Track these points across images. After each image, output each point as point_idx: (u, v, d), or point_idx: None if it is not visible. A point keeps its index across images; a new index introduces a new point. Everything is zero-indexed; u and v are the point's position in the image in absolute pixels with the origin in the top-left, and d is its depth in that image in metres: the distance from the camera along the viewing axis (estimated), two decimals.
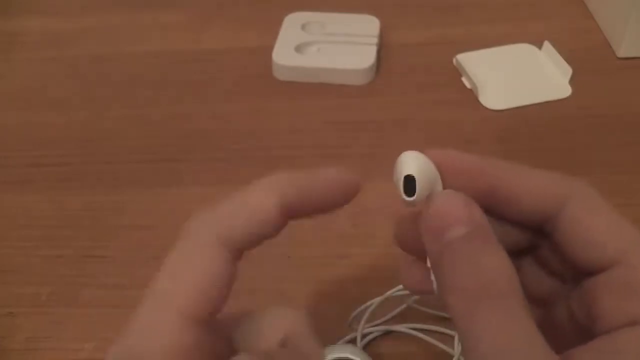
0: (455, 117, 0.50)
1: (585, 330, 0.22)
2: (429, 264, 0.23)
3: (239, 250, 0.22)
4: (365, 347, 0.36)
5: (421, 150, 0.23)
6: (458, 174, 0.23)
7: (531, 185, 0.23)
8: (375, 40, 0.55)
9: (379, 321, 0.36)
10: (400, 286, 0.35)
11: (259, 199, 0.22)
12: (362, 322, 0.35)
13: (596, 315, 0.21)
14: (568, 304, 0.24)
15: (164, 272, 0.21)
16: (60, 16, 0.63)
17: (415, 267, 0.25)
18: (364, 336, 0.36)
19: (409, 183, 0.22)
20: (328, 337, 0.36)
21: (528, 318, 0.19)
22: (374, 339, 0.36)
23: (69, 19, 0.63)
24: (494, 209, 0.23)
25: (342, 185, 0.24)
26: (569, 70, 0.52)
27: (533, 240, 0.24)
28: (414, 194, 0.22)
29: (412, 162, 0.23)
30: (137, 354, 0.20)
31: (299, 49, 0.55)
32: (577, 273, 0.23)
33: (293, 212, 0.23)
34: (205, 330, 0.21)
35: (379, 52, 0.55)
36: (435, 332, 0.36)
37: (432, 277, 0.23)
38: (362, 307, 0.36)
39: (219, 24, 0.61)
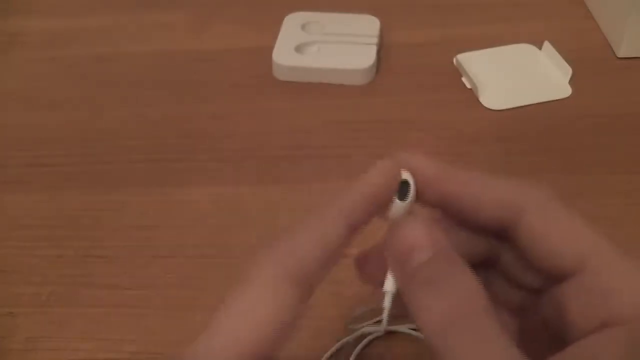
0: (455, 117, 0.50)
1: (559, 337, 0.22)
2: (386, 287, 0.23)
3: (311, 286, 0.22)
4: (366, 347, 0.36)
5: (394, 155, 0.24)
6: (424, 183, 0.24)
7: (489, 194, 0.23)
8: (375, 40, 0.55)
9: (380, 320, 0.36)
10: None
11: (326, 227, 0.22)
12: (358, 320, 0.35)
13: (567, 322, 0.22)
14: (540, 313, 0.24)
15: (226, 306, 0.21)
16: (60, 16, 0.63)
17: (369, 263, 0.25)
18: (364, 336, 0.36)
19: (403, 188, 0.23)
20: (328, 337, 0.36)
21: (501, 334, 0.19)
22: (375, 339, 0.36)
23: (69, 19, 0.63)
24: (459, 216, 0.24)
25: (393, 179, 0.24)
26: (569, 70, 0.52)
27: (498, 250, 0.25)
28: (406, 198, 0.23)
29: (405, 173, 0.24)
30: None
31: (299, 49, 0.55)
32: (543, 282, 0.23)
33: (359, 227, 0.23)
34: None
35: (379, 52, 0.55)
36: None
37: (385, 304, 0.23)
38: (363, 309, 0.36)
39: (219, 24, 0.61)
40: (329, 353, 0.35)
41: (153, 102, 0.53)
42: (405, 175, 0.24)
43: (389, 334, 0.36)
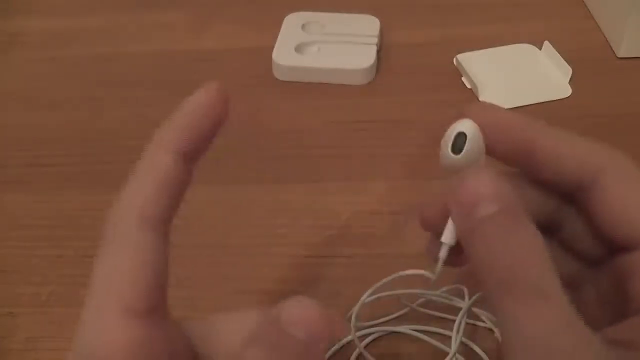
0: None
1: (616, 312, 0.21)
2: (444, 239, 0.23)
3: (163, 223, 0.22)
4: (367, 347, 0.36)
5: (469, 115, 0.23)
6: (497, 130, 0.23)
7: (568, 150, 0.23)
8: (375, 40, 0.55)
9: (380, 321, 0.36)
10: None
11: (155, 161, 0.23)
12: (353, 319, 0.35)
13: (630, 294, 0.21)
14: (596, 286, 0.23)
15: (97, 272, 0.21)
16: (60, 16, 0.63)
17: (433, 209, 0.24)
18: (365, 336, 0.36)
19: (459, 140, 0.22)
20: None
21: (563, 295, 0.19)
22: (375, 339, 0.36)
23: (69, 19, 0.63)
24: (531, 170, 0.23)
25: (217, 103, 0.25)
26: (569, 70, 0.52)
27: (562, 214, 0.24)
28: (461, 152, 0.22)
29: (467, 124, 0.23)
30: (89, 355, 0.20)
31: (299, 49, 0.55)
32: (607, 251, 0.22)
33: (193, 157, 0.23)
34: (156, 325, 0.21)
35: (379, 52, 0.55)
36: (437, 333, 0.36)
37: (442, 253, 0.23)
38: (358, 305, 0.35)
39: (219, 24, 0.61)
40: (329, 353, 0.35)
41: (153, 102, 0.53)
42: (465, 127, 0.22)
43: (390, 334, 0.36)
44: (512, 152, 0.23)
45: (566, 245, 0.24)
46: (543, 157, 0.23)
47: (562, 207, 0.24)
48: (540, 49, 0.55)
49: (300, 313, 0.20)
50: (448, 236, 0.23)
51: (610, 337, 0.20)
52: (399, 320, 0.36)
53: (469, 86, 0.52)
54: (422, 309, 0.36)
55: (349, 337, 0.35)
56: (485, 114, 0.23)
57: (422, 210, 0.25)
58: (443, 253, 0.23)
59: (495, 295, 0.20)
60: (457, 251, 0.23)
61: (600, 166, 0.22)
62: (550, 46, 0.54)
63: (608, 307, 0.22)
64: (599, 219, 0.22)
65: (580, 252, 0.24)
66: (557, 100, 0.51)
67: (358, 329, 0.35)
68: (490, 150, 0.23)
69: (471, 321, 0.36)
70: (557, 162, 0.23)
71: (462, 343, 0.34)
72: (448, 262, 0.24)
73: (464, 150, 0.22)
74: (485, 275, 0.20)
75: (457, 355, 0.34)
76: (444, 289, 0.35)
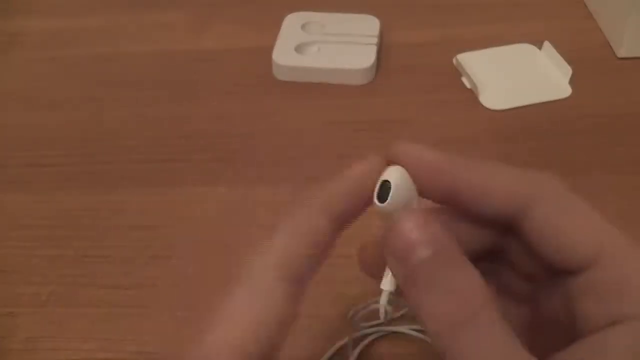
0: (455, 117, 0.50)
1: (569, 329, 0.22)
2: (383, 286, 0.23)
3: (303, 283, 0.22)
4: (367, 347, 0.36)
5: (391, 146, 0.23)
6: (427, 173, 0.23)
7: (493, 184, 0.22)
8: (375, 40, 0.55)
9: (380, 321, 0.36)
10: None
11: (312, 223, 0.22)
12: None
13: (578, 316, 0.21)
14: (551, 303, 0.23)
15: (225, 309, 0.21)
16: (60, 16, 0.63)
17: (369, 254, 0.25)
18: (365, 337, 0.36)
19: (384, 189, 0.22)
20: (328, 337, 0.36)
21: (508, 333, 0.19)
22: (376, 339, 0.36)
23: (69, 19, 0.63)
24: (463, 208, 0.23)
25: (372, 176, 0.24)
26: (569, 70, 0.52)
27: (503, 241, 0.24)
28: (385, 201, 0.22)
29: (392, 171, 0.23)
30: None
31: (299, 49, 0.55)
32: (552, 274, 0.22)
33: (343, 223, 0.23)
34: None
35: (379, 52, 0.55)
36: None
37: (382, 301, 0.23)
38: (361, 305, 0.35)
39: (219, 24, 0.61)
40: (329, 353, 0.35)
41: (153, 102, 0.53)
42: (390, 175, 0.22)
43: (389, 334, 0.36)
44: (439, 193, 0.23)
45: (514, 266, 0.24)
46: (470, 195, 0.22)
47: (502, 235, 0.24)
48: (540, 49, 0.55)
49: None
50: (388, 283, 0.23)
51: None
52: (399, 320, 0.36)
53: (469, 86, 0.52)
54: None
55: (352, 336, 0.36)
56: (409, 156, 0.23)
57: (359, 255, 0.25)
58: (383, 300, 0.23)
59: (439, 343, 0.20)
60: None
61: (529, 195, 0.22)
62: (550, 46, 0.54)
63: (562, 326, 0.22)
64: (536, 247, 0.22)
65: (528, 273, 0.24)
66: (557, 100, 0.51)
67: (358, 329, 0.35)
68: (420, 193, 0.23)
69: None
70: (484, 198, 0.22)
71: None
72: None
73: (388, 199, 0.22)
74: (426, 321, 0.20)
75: None
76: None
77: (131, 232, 0.42)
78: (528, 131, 0.48)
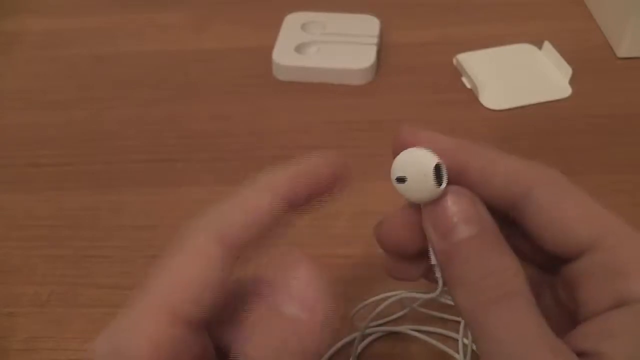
0: (455, 117, 0.50)
1: (572, 316, 0.22)
2: (432, 261, 0.23)
3: (237, 249, 0.21)
4: (367, 347, 0.36)
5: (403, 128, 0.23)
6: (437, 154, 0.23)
7: (499, 168, 0.23)
8: (375, 40, 0.55)
9: (381, 321, 0.36)
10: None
11: (253, 196, 0.23)
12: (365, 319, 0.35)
13: (580, 301, 0.21)
14: (553, 291, 0.23)
15: (157, 271, 0.21)
16: (60, 16, 0.63)
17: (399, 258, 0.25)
18: (366, 337, 0.36)
19: (439, 172, 0.22)
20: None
21: (538, 315, 0.20)
22: (377, 339, 0.36)
23: (68, 19, 0.63)
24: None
25: (331, 172, 0.24)
26: (569, 70, 0.52)
27: (506, 229, 0.24)
28: (442, 182, 0.22)
29: (429, 155, 0.22)
30: (122, 347, 0.19)
31: (299, 49, 0.55)
32: (553, 262, 0.23)
33: (289, 205, 0.23)
34: (195, 330, 0.20)
35: (379, 52, 0.55)
36: (438, 334, 0.36)
37: (437, 274, 0.23)
38: (363, 303, 0.35)
39: (219, 24, 0.61)
40: (329, 353, 0.35)
41: (153, 102, 0.53)
42: (434, 157, 0.22)
43: (392, 334, 0.36)
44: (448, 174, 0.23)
45: (519, 254, 0.25)
46: (475, 178, 0.23)
47: (505, 223, 0.24)
48: (540, 49, 0.55)
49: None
50: (434, 257, 0.23)
51: (570, 347, 0.20)
52: (400, 320, 0.36)
53: (469, 86, 0.52)
54: (422, 310, 0.36)
55: (352, 336, 0.36)
56: (420, 138, 0.23)
57: (377, 231, 0.25)
58: (438, 273, 0.23)
59: (472, 319, 0.20)
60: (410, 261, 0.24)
61: (529, 184, 0.22)
62: (550, 46, 0.54)
63: (566, 312, 0.23)
64: (537, 233, 0.22)
65: (531, 260, 0.24)
66: (557, 100, 0.51)
67: (359, 329, 0.35)
68: None
69: None
70: (488, 182, 0.23)
71: (463, 344, 0.34)
72: (404, 276, 0.25)
73: (443, 182, 0.22)
74: (461, 296, 0.21)
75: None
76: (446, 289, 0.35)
77: (131, 232, 0.42)
78: (528, 131, 0.48)
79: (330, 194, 0.24)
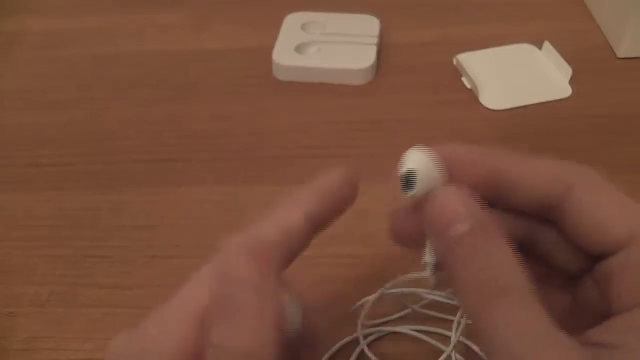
0: (455, 117, 0.50)
1: (606, 313, 0.22)
2: (426, 259, 0.23)
3: (271, 265, 0.22)
4: (368, 347, 0.36)
5: (427, 146, 0.23)
6: (461, 166, 0.23)
7: (534, 172, 0.23)
8: (375, 40, 0.55)
9: (381, 321, 0.36)
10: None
11: (286, 215, 0.23)
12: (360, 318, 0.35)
13: (612, 298, 0.21)
14: (580, 295, 0.24)
15: (192, 279, 0.22)
16: (60, 16, 0.63)
17: (405, 221, 0.25)
18: (365, 337, 0.36)
19: (409, 178, 0.22)
20: (328, 336, 0.36)
21: (540, 309, 0.20)
22: (376, 339, 0.36)
23: (68, 19, 0.63)
24: (501, 199, 0.23)
25: (348, 185, 0.25)
26: (569, 70, 0.52)
27: (535, 233, 0.24)
28: (412, 189, 0.22)
29: (414, 157, 0.23)
30: (149, 347, 0.21)
31: (299, 49, 0.55)
32: (587, 260, 0.23)
33: (317, 223, 0.24)
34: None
35: (379, 52, 0.55)
36: (438, 334, 0.36)
37: (425, 256, 0.23)
38: (364, 299, 0.36)
39: (219, 24, 0.61)
40: (329, 353, 0.35)
41: (153, 102, 0.53)
42: (411, 160, 0.22)
43: (391, 334, 0.36)
44: (478, 185, 0.23)
45: (544, 260, 0.25)
46: (509, 185, 0.23)
47: (534, 226, 0.24)
48: (540, 49, 0.55)
49: None
50: (428, 255, 0.24)
51: (591, 339, 0.20)
52: (400, 320, 0.36)
53: (468, 86, 0.52)
54: (423, 310, 0.36)
55: (352, 336, 0.36)
56: (448, 152, 0.23)
57: (391, 224, 0.25)
58: (428, 274, 0.24)
59: (473, 315, 0.20)
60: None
61: (568, 183, 0.23)
62: (550, 46, 0.54)
63: (593, 316, 0.23)
64: (574, 233, 0.23)
65: (560, 264, 0.24)
66: (557, 100, 0.51)
67: (360, 329, 0.35)
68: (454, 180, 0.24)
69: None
70: (524, 187, 0.23)
71: (462, 343, 0.34)
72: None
73: (414, 189, 0.22)
74: (462, 293, 0.21)
75: (456, 354, 0.34)
76: (449, 290, 0.35)
77: (131, 232, 0.42)
78: (528, 131, 0.48)
79: (346, 207, 0.25)
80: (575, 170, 0.23)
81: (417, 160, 0.23)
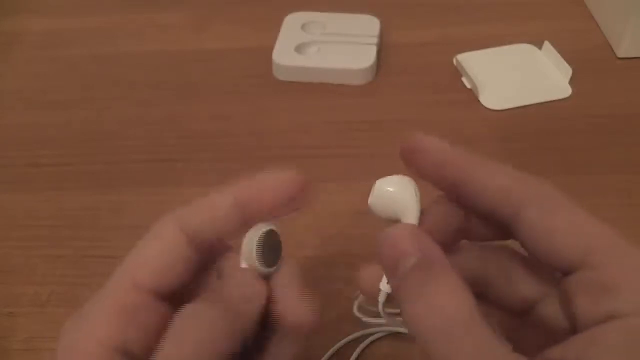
0: (455, 117, 0.50)
1: (570, 328, 0.22)
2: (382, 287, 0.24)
3: (198, 238, 0.25)
4: (367, 347, 0.36)
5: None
6: (429, 164, 0.24)
7: (492, 182, 0.23)
8: (375, 40, 0.55)
9: (381, 321, 0.36)
10: None
11: (217, 197, 0.26)
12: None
13: (573, 315, 0.22)
14: (544, 309, 0.24)
15: (128, 254, 0.25)
16: (60, 16, 0.63)
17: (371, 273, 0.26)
18: (366, 337, 0.36)
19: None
20: (328, 336, 0.36)
21: (492, 337, 0.20)
22: (376, 339, 0.36)
23: (68, 19, 0.63)
24: (465, 202, 0.24)
25: (290, 186, 0.27)
26: (569, 70, 0.52)
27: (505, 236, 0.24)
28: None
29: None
30: (88, 312, 0.23)
31: (299, 49, 0.55)
32: (543, 285, 0.23)
33: (248, 209, 0.26)
34: (158, 301, 0.24)
35: (379, 52, 0.55)
36: None
37: (384, 280, 0.24)
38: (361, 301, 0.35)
39: (219, 24, 0.61)
40: (329, 353, 0.35)
41: (153, 102, 0.53)
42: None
43: (389, 334, 0.36)
44: (445, 183, 0.24)
45: (495, 294, 0.25)
46: (470, 192, 0.23)
47: (503, 235, 0.25)
48: (540, 49, 0.55)
49: None
50: (385, 284, 0.24)
51: (548, 357, 0.20)
52: (400, 320, 0.36)
53: (469, 86, 0.52)
54: None
55: (352, 336, 0.36)
56: (426, 144, 0.25)
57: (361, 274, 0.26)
58: (381, 299, 0.24)
59: (425, 349, 0.20)
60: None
61: (518, 203, 0.22)
62: (550, 46, 0.54)
63: (562, 328, 0.23)
64: (530, 249, 0.23)
65: (512, 296, 0.25)
66: (557, 100, 0.51)
67: (360, 329, 0.36)
68: (427, 178, 0.24)
69: None
70: (482, 194, 0.23)
71: None
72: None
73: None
74: (413, 329, 0.21)
75: None
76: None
77: (131, 232, 0.42)
78: (528, 131, 0.48)
79: (292, 208, 0.27)
80: (528, 188, 0.23)
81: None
